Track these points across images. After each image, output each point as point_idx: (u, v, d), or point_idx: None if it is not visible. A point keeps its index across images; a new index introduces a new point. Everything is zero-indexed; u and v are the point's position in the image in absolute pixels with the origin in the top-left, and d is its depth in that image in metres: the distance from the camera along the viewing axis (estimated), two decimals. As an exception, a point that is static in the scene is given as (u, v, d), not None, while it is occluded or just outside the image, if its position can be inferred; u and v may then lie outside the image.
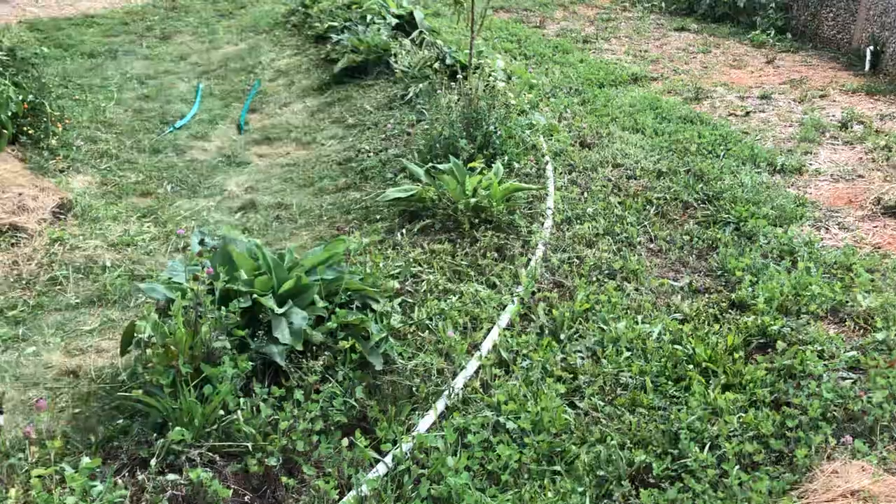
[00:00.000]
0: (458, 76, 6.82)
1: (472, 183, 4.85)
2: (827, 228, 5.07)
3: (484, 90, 5.95)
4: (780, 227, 4.99)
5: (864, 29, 8.87)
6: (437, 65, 7.35)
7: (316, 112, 7.56)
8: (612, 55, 9.54)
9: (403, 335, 3.69)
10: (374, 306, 3.73)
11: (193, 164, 6.38)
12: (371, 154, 6.12)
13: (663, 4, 11.95)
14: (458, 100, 5.86)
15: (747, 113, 7.43)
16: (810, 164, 6.09)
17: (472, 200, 4.75)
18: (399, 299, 3.94)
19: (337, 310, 3.50)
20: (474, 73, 6.57)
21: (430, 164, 5.30)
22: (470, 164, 5.23)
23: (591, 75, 8.43)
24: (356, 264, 3.97)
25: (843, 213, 5.28)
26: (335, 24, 9.00)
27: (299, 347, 3.34)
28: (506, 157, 5.53)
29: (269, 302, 3.38)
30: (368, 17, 8.75)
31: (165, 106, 7.72)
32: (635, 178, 5.63)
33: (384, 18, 8.79)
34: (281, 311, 3.39)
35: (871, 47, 8.53)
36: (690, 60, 9.36)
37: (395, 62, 7.70)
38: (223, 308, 3.25)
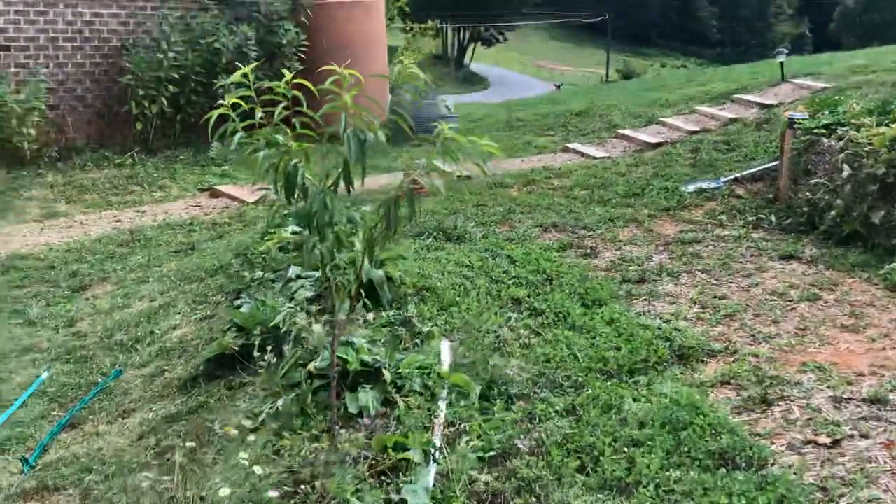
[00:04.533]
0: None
1: None
2: None
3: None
4: None
5: None
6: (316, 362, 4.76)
7: (150, 433, 5.08)
8: (667, 306, 6.70)
9: None
10: None
11: None
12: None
13: (773, 218, 8.97)
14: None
15: (836, 442, 4.42)
16: None
17: None
18: None
19: None
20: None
21: None
22: None
23: (609, 352, 5.67)
24: None
25: None
26: (259, 275, 6.62)
27: None
28: None
29: None
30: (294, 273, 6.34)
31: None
32: None
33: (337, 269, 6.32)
34: None
35: None
36: (785, 315, 6.41)
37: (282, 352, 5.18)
38: None
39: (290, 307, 5.65)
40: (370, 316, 6.17)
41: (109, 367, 6.22)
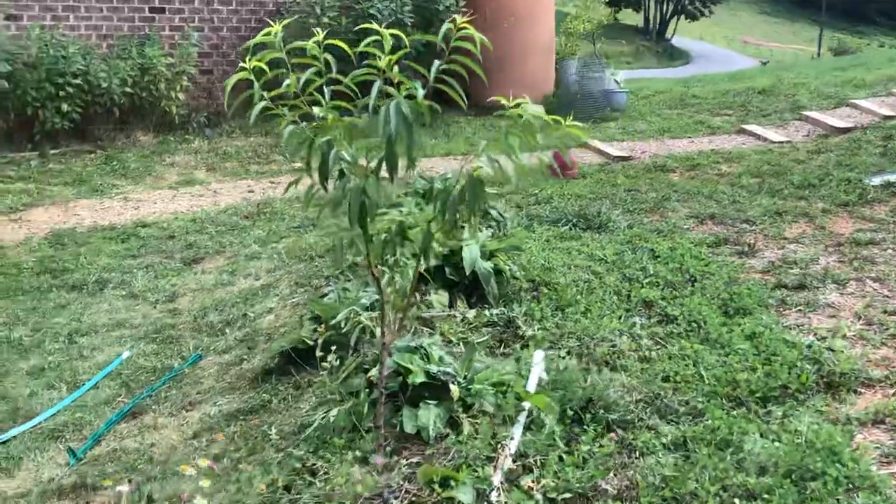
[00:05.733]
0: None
1: None
2: None
3: None
4: None
5: None
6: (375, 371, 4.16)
7: (206, 431, 4.65)
8: (825, 320, 5.75)
9: None
10: None
11: None
12: None
13: (973, 216, 7.72)
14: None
15: None
16: None
17: None
18: None
19: None
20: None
21: None
22: None
23: (742, 374, 4.85)
24: None
25: None
26: (360, 259, 6.08)
27: None
28: None
29: None
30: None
31: (33, 392, 5.45)
32: None
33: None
34: None
35: None
36: (970, 341, 5.31)
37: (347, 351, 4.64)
38: None
39: (365, 301, 5.07)
40: (470, 314, 5.53)
41: (191, 351, 5.84)
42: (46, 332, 6.33)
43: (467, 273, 5.67)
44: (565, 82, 14.63)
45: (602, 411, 4.36)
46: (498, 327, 5.48)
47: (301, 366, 5.08)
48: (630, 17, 36.18)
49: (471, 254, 5.70)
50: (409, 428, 3.91)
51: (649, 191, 9.39)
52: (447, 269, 5.74)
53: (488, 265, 5.79)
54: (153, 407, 5.13)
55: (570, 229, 7.92)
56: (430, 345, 4.29)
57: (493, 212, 7.41)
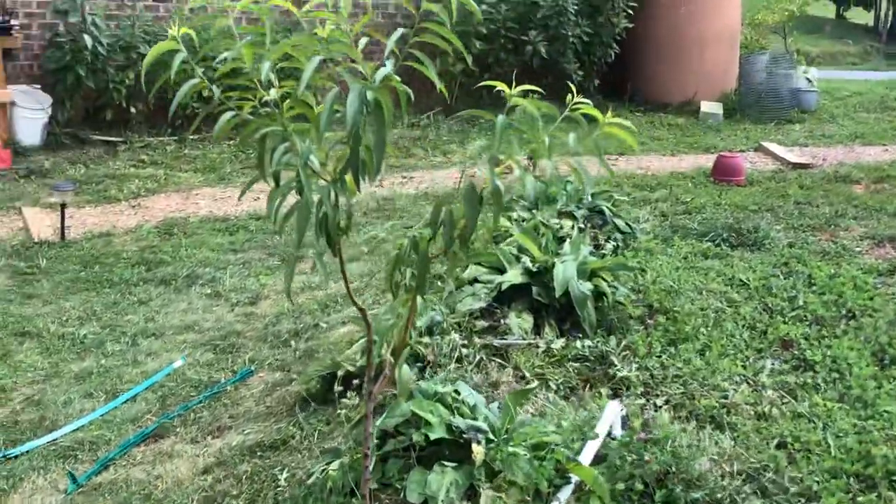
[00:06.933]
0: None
1: None
2: None
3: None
4: None
5: None
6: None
7: (219, 466, 4.03)
8: None
9: None
10: None
11: None
12: None
13: None
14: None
15: None
16: None
17: None
18: None
19: None
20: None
21: None
22: None
23: (880, 447, 3.85)
24: None
25: None
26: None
27: None
28: None
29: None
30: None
31: (69, 399, 4.99)
32: None
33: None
34: None
35: None
36: None
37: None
38: None
39: (421, 324, 4.28)
40: (557, 344, 4.66)
41: (245, 364, 5.24)
42: (113, 331, 5.90)
43: (557, 294, 4.79)
44: (749, 79, 13.27)
45: (681, 487, 3.41)
46: (587, 363, 4.60)
47: (343, 394, 4.34)
48: (860, 15, 33.44)
49: (564, 272, 4.82)
50: (414, 498, 3.12)
51: (823, 204, 8.15)
52: (534, 289, 4.88)
53: (587, 286, 4.89)
54: (178, 430, 4.55)
55: (717, 245, 6.86)
56: (466, 389, 3.46)
57: (620, 221, 6.46)
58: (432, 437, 3.21)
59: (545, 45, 11.94)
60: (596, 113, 2.70)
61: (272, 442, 4.16)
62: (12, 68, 10.35)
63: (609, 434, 3.73)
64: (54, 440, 4.55)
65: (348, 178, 2.65)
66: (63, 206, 7.81)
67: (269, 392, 4.82)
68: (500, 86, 2.67)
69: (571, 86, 2.95)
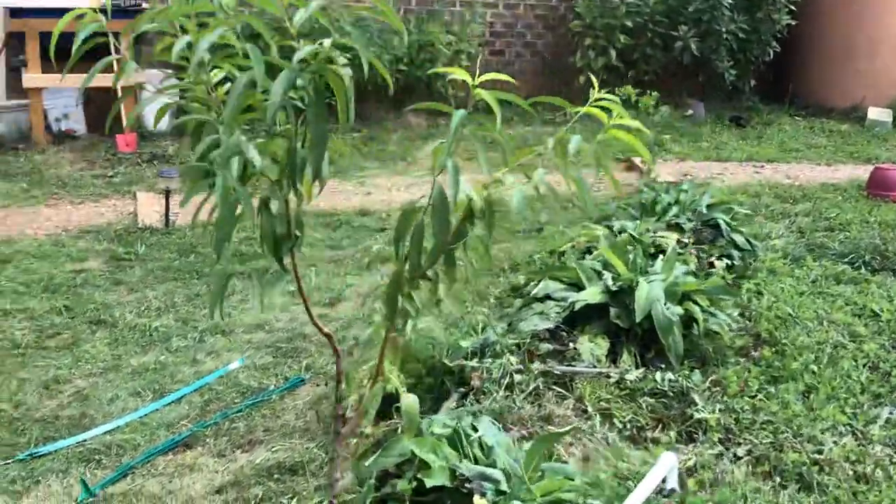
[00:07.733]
0: None
1: None
2: None
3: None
4: None
5: None
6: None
7: (232, 487, 3.71)
8: None
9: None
10: None
11: None
12: None
13: None
14: None
15: None
16: None
17: None
18: None
19: None
20: None
21: None
22: None
23: None
24: None
25: None
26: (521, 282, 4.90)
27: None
28: None
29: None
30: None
31: (115, 397, 4.75)
32: None
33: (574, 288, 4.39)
34: None
35: None
36: None
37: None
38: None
39: (465, 344, 3.80)
40: (633, 375, 4.09)
41: (301, 371, 4.89)
42: (185, 325, 5.67)
43: (637, 318, 4.21)
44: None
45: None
46: (663, 399, 4.01)
47: (384, 416, 3.92)
48: None
49: (648, 293, 4.24)
50: (400, 554, 2.65)
51: None
52: (612, 310, 4.31)
53: (675, 311, 4.28)
54: (209, 440, 4.22)
55: (857, 268, 6.06)
56: (469, 427, 2.96)
57: (738, 237, 5.79)
58: (429, 484, 2.73)
59: (696, 42, 11.16)
60: (614, 110, 2.17)
61: (293, 464, 3.79)
62: (144, 52, 10.41)
63: (662, 490, 3.15)
64: (83, 441, 4.30)
65: (306, 179, 2.21)
66: (168, 191, 7.69)
67: (313, 405, 4.45)
68: (461, 74, 2.17)
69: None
